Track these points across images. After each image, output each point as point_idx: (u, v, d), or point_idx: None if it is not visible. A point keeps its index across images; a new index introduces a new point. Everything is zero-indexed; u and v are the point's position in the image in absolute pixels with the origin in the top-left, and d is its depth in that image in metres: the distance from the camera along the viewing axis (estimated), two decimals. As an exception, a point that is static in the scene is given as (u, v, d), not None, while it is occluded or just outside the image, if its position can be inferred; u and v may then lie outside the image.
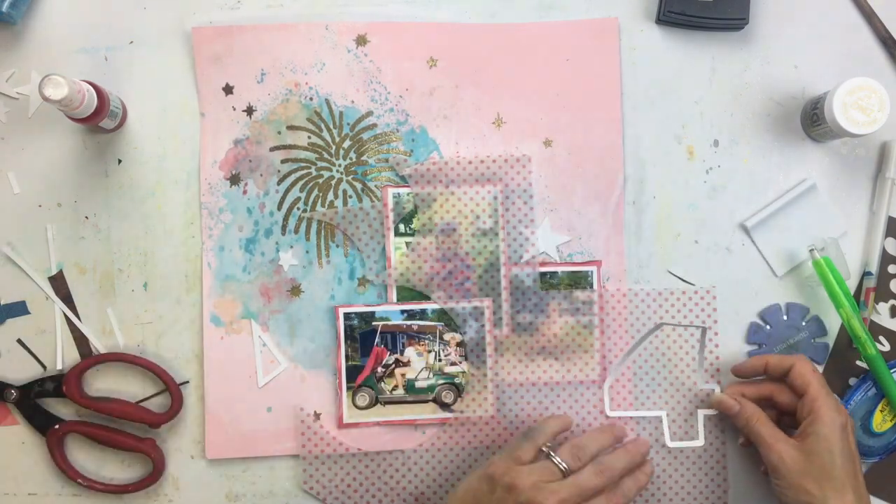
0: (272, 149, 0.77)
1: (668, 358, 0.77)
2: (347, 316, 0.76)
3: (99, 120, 0.71)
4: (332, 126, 0.77)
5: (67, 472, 0.75)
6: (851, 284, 0.78)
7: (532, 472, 0.66)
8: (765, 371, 0.74)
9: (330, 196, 0.77)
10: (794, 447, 0.69)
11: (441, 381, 0.77)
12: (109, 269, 0.76)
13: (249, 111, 0.77)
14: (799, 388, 0.71)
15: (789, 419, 0.74)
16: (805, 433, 0.69)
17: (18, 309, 0.76)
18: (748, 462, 0.77)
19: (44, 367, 0.76)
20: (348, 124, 0.77)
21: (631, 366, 0.77)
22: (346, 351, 0.76)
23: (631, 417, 0.76)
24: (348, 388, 0.76)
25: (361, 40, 0.77)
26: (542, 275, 0.77)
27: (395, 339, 0.76)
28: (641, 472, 0.71)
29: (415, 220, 0.77)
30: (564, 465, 0.67)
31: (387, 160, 0.77)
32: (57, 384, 0.75)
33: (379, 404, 0.76)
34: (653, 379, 0.77)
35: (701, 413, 0.77)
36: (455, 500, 0.68)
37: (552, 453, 0.68)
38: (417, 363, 0.77)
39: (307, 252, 0.77)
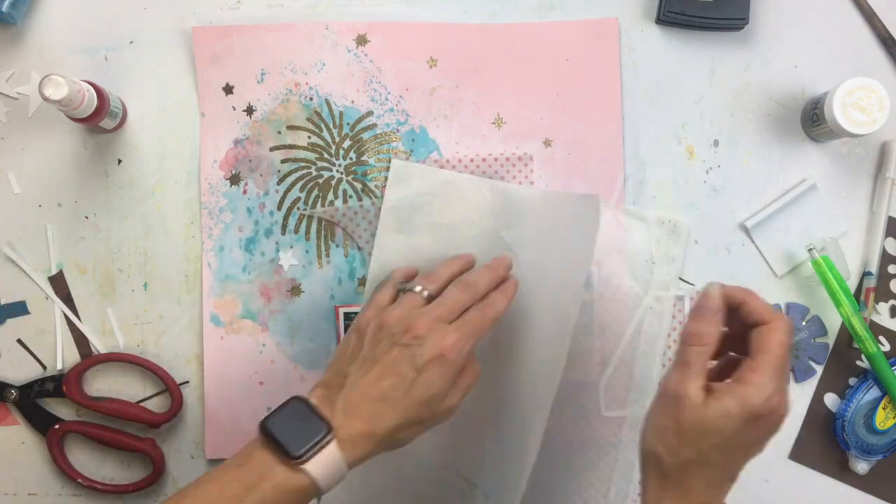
0: (272, 149, 0.77)
1: (663, 355, 0.77)
2: (347, 316, 0.76)
3: (99, 120, 0.71)
4: (332, 126, 0.77)
5: (67, 472, 0.75)
6: (851, 284, 0.78)
7: (396, 307, 0.63)
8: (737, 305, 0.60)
9: (330, 196, 0.77)
10: (719, 402, 0.56)
11: (441, 381, 0.76)
12: (109, 269, 0.76)
13: (249, 111, 0.77)
14: (752, 346, 0.58)
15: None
16: (735, 392, 0.57)
17: (18, 309, 0.76)
18: (749, 461, 0.77)
19: (44, 367, 0.76)
20: (348, 124, 0.77)
21: (628, 365, 0.77)
22: (347, 351, 0.76)
23: (631, 416, 0.76)
24: (348, 388, 0.76)
25: (361, 40, 0.77)
26: (543, 275, 0.77)
27: (395, 338, 0.76)
28: (508, 285, 0.67)
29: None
30: (425, 291, 0.64)
31: (387, 160, 0.77)
32: (57, 384, 0.75)
33: (379, 404, 0.76)
34: (652, 379, 0.77)
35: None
36: (331, 366, 0.64)
37: (407, 287, 0.65)
38: (417, 363, 0.76)
39: (307, 252, 0.77)
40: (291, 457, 0.56)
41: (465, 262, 0.70)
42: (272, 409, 0.59)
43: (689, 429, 0.57)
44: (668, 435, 0.57)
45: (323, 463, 0.57)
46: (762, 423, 0.57)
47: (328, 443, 0.57)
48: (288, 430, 0.57)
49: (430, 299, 0.64)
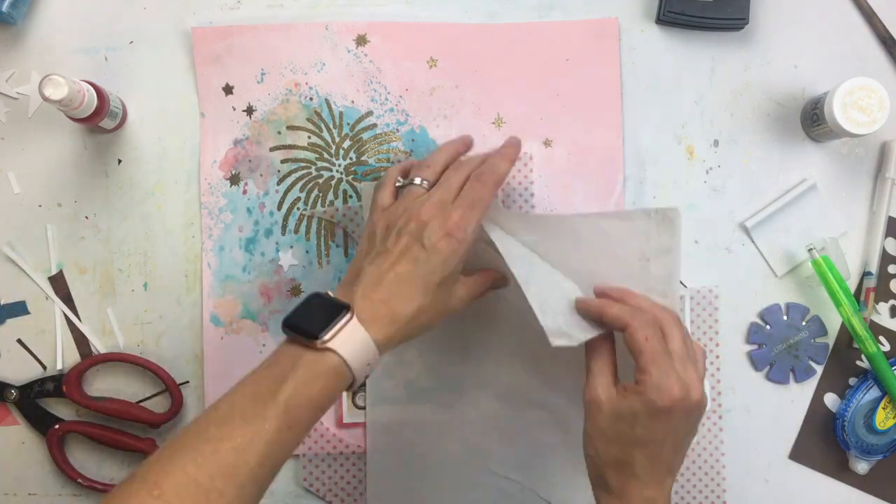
0: (272, 149, 0.77)
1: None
2: (347, 316, 0.76)
3: (99, 120, 0.71)
4: (332, 126, 0.77)
5: (67, 472, 0.75)
6: (851, 284, 0.78)
7: (399, 203, 0.64)
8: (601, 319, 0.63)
9: (330, 196, 0.77)
10: (617, 396, 0.60)
11: (441, 381, 0.77)
12: (109, 269, 0.76)
13: (249, 111, 0.77)
14: (630, 350, 0.61)
15: None
16: (638, 390, 0.59)
17: (18, 309, 0.76)
18: (749, 460, 0.77)
19: (44, 367, 0.76)
20: (348, 124, 0.77)
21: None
22: (346, 351, 0.76)
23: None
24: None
25: (361, 40, 0.77)
26: (543, 275, 0.77)
27: (395, 338, 0.76)
28: (507, 146, 0.67)
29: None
30: (424, 182, 0.65)
31: (387, 160, 0.77)
32: (57, 384, 0.75)
33: (379, 404, 0.76)
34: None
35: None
36: (349, 270, 0.63)
37: (405, 182, 0.65)
38: (417, 363, 0.76)
39: (307, 252, 0.77)
40: (316, 338, 0.56)
41: (463, 143, 0.69)
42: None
43: (607, 430, 0.60)
44: (594, 440, 0.60)
45: (349, 340, 0.57)
46: (676, 414, 0.59)
47: (349, 321, 0.57)
48: (309, 319, 0.58)
49: (432, 187, 0.64)
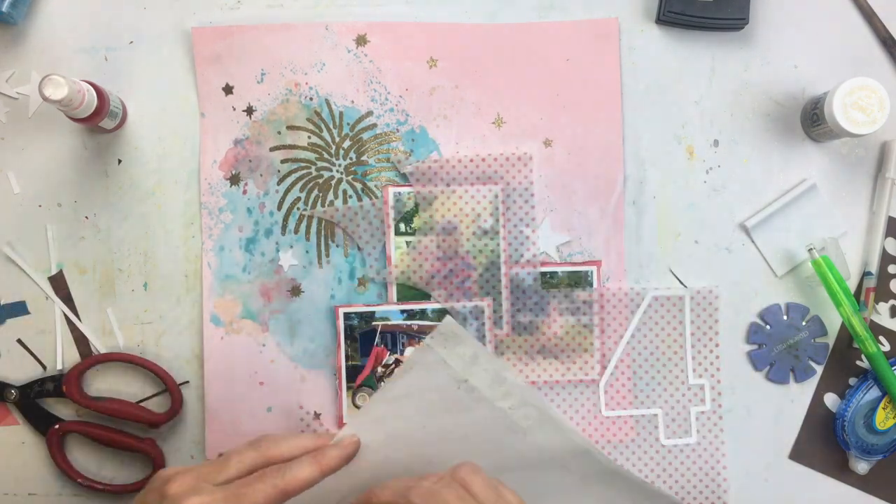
0: (272, 149, 0.77)
1: (663, 355, 0.77)
2: (347, 316, 0.76)
3: (99, 120, 0.71)
4: (332, 126, 0.77)
5: (67, 472, 0.75)
6: (851, 284, 0.78)
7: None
8: None
9: (330, 196, 0.77)
10: None
11: (441, 381, 0.77)
12: (109, 269, 0.76)
13: (249, 111, 0.77)
14: None
15: None
16: None
17: (18, 309, 0.76)
18: (749, 461, 0.78)
19: (44, 367, 0.76)
20: (348, 124, 0.77)
21: (629, 365, 0.77)
22: (346, 351, 0.76)
23: (631, 416, 0.76)
24: (348, 388, 0.76)
25: (361, 40, 0.77)
26: (542, 275, 0.77)
27: (395, 338, 0.76)
28: (327, 450, 0.60)
29: (415, 220, 0.77)
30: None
31: (387, 159, 0.77)
32: (57, 384, 0.75)
33: (379, 404, 0.76)
34: (652, 378, 0.77)
35: (693, 410, 0.77)
36: None
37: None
38: (417, 363, 0.76)
39: (307, 252, 0.77)
40: None
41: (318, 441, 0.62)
42: None
43: None
44: None
45: None
46: None
47: None
48: None
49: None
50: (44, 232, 0.76)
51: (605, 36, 0.77)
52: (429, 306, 0.76)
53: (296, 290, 0.76)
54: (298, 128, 0.77)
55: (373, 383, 0.76)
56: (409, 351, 0.76)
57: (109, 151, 0.77)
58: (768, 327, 0.77)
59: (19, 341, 0.76)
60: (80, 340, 0.76)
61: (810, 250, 0.76)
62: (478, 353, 0.70)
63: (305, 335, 0.76)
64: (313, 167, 0.77)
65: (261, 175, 0.77)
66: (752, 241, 0.78)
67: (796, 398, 0.78)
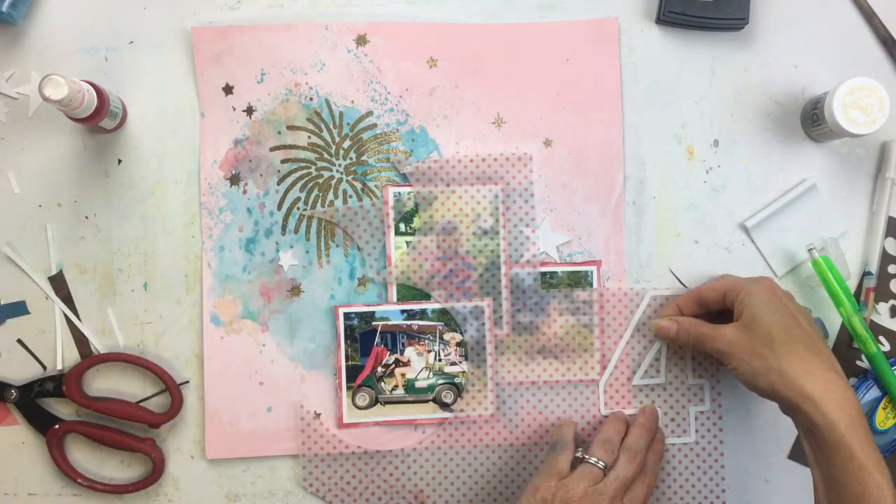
0: (272, 149, 0.77)
1: (662, 355, 0.77)
2: (347, 316, 0.76)
3: (99, 120, 0.71)
4: (332, 126, 0.77)
5: (67, 472, 0.75)
6: (851, 284, 0.78)
7: (577, 480, 0.67)
8: (702, 305, 0.74)
9: (330, 196, 0.77)
10: (734, 328, 0.69)
11: (441, 381, 0.77)
12: (109, 269, 0.76)
13: (249, 111, 0.77)
14: (730, 296, 0.72)
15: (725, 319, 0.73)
16: (740, 313, 0.70)
17: (18, 309, 0.76)
18: (749, 460, 0.78)
19: (44, 367, 0.76)
20: (348, 124, 0.77)
21: (629, 365, 0.77)
22: (346, 351, 0.76)
23: (631, 416, 0.76)
24: (348, 388, 0.76)
25: (361, 40, 0.77)
26: (542, 275, 0.77)
27: (395, 338, 0.76)
28: (657, 443, 0.74)
29: (415, 220, 0.77)
30: (602, 462, 0.69)
31: (387, 159, 0.77)
32: (57, 384, 0.75)
33: (379, 404, 0.76)
34: (651, 377, 0.77)
35: (692, 409, 0.77)
36: None
37: (587, 456, 0.70)
38: (417, 363, 0.77)
39: (307, 252, 0.77)
40: None
41: (624, 420, 0.75)
42: None
43: (755, 337, 0.68)
44: (756, 361, 0.67)
45: None
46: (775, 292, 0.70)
47: None
48: None
49: (606, 470, 0.69)
50: (44, 232, 0.76)
51: (605, 36, 0.77)
52: (429, 306, 0.76)
53: (296, 290, 0.77)
54: (298, 128, 0.77)
55: (373, 383, 0.76)
56: (409, 351, 0.76)
57: (109, 151, 0.77)
58: (768, 327, 0.77)
59: (19, 341, 0.76)
60: (80, 340, 0.76)
61: (810, 250, 0.76)
62: None
63: (305, 335, 0.76)
64: (313, 167, 0.77)
65: (261, 175, 0.77)
66: (752, 241, 0.78)
67: (796, 398, 0.78)
